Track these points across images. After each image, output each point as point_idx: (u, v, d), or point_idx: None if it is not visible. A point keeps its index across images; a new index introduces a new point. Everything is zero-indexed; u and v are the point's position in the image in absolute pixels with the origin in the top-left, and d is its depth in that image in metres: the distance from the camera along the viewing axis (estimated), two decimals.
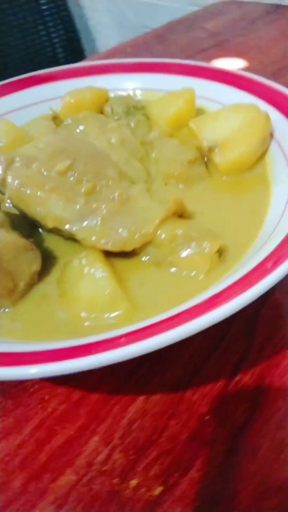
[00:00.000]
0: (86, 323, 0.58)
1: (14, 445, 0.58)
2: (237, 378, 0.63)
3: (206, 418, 0.59)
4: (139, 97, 1.03)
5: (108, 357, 0.45)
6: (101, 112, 0.97)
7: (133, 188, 0.68)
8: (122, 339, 0.48)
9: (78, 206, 0.64)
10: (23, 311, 0.61)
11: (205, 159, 0.81)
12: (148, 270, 0.65)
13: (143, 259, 0.66)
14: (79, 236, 0.64)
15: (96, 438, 0.58)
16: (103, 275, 0.61)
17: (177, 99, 0.91)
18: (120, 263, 0.66)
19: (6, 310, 0.61)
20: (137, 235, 0.63)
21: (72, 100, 0.93)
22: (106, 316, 0.58)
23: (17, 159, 0.68)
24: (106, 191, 0.66)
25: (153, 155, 0.84)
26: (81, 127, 0.87)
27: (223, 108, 0.86)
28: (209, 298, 0.53)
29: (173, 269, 0.64)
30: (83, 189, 0.65)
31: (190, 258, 0.62)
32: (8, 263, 0.60)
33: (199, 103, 0.96)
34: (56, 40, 3.00)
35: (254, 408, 0.59)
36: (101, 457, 0.56)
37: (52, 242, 0.71)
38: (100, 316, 0.58)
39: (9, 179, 0.66)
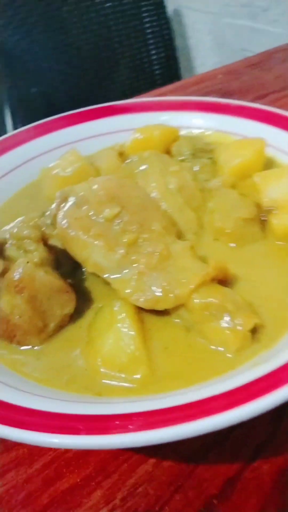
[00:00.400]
0: (103, 380, 0.58)
1: (22, 478, 0.59)
2: (256, 464, 0.58)
3: (214, 501, 0.55)
4: (210, 137, 1.01)
5: (123, 440, 0.44)
6: (168, 151, 0.96)
7: (176, 244, 0.66)
8: (139, 423, 0.46)
9: (117, 256, 0.64)
10: (48, 352, 0.63)
11: (263, 218, 0.77)
12: (175, 333, 0.63)
13: (174, 320, 0.64)
14: (114, 285, 0.64)
15: (99, 493, 0.57)
16: (130, 333, 0.60)
17: (246, 149, 0.87)
18: (151, 318, 0.65)
19: (33, 347, 0.63)
20: (171, 295, 0.61)
21: (140, 137, 0.94)
22: (123, 376, 0.58)
23: (70, 198, 0.71)
24: (147, 245, 0.65)
25: (210, 204, 0.82)
26: (144, 166, 0.87)
27: None
28: (232, 390, 0.49)
29: (201, 339, 0.61)
30: (125, 239, 0.65)
31: (220, 331, 0.59)
32: (41, 302, 0.62)
33: (271, 152, 0.91)
34: (154, 57, 3.08)
35: (267, 502, 0.54)
36: None
37: (92, 283, 0.71)
38: (118, 375, 0.58)
39: (59, 218, 0.68)
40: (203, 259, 0.72)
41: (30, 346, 0.63)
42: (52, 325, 0.63)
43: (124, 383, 0.57)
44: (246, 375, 0.52)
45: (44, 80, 2.51)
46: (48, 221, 0.71)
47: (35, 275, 0.61)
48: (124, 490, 0.56)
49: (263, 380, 0.50)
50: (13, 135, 1.03)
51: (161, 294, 0.62)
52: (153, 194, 0.80)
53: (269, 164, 0.90)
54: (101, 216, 0.66)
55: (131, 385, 0.57)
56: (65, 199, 0.70)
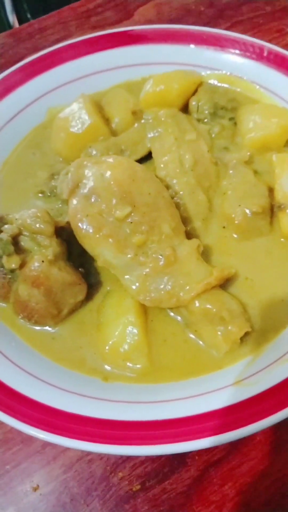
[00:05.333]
0: (108, 367, 0.68)
1: None
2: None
3: None
4: (235, 85, 0.91)
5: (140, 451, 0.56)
6: (187, 103, 0.88)
7: (184, 246, 0.69)
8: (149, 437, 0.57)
9: (126, 258, 0.67)
10: (62, 333, 0.72)
11: (273, 210, 0.77)
12: (174, 328, 0.70)
13: (174, 315, 0.71)
14: (122, 281, 0.69)
15: None
16: (135, 326, 0.68)
17: (271, 119, 0.80)
18: (153, 310, 0.72)
19: (51, 328, 0.72)
20: (174, 299, 0.67)
21: (157, 89, 0.85)
22: (127, 364, 0.68)
23: (83, 184, 0.70)
24: (155, 247, 0.67)
25: (224, 183, 0.80)
26: (159, 130, 0.82)
27: None
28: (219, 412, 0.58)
29: (195, 338, 0.69)
30: (134, 240, 0.67)
31: (214, 335, 0.67)
32: (56, 295, 0.68)
33: None
34: None
35: None
36: None
37: (101, 267, 0.75)
38: (122, 363, 0.68)
39: (71, 210, 0.69)
40: (209, 251, 0.76)
41: (46, 327, 0.72)
42: (65, 311, 0.71)
43: (127, 371, 0.68)
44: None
45: None
46: (59, 204, 0.72)
47: (50, 273, 0.66)
48: None
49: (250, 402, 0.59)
50: (16, 71, 0.91)
51: (165, 296, 0.67)
52: (165, 171, 0.78)
53: None
54: (112, 215, 0.67)
55: (132, 374, 0.67)
56: (76, 186, 0.70)
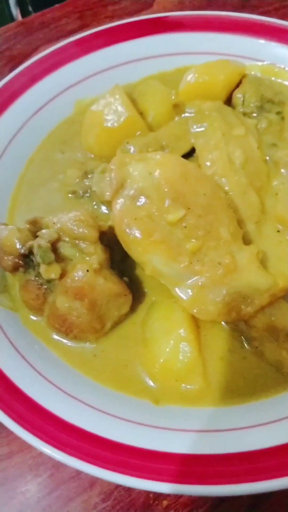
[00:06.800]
0: (157, 386, 0.61)
1: None
2: None
3: None
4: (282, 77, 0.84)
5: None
6: (231, 96, 0.80)
7: (243, 252, 0.62)
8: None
9: (180, 266, 0.60)
10: (105, 349, 0.64)
11: None
12: (231, 344, 0.63)
13: (230, 329, 0.64)
14: (173, 292, 0.62)
15: None
16: (188, 342, 0.61)
17: None
18: (207, 325, 0.64)
19: (90, 344, 0.64)
20: (233, 313, 0.60)
21: (200, 80, 0.77)
22: (180, 385, 0.60)
23: (128, 182, 0.62)
24: (212, 254, 0.60)
25: (275, 183, 0.73)
26: (204, 125, 0.75)
27: None
28: None
29: (256, 355, 0.62)
30: (189, 246, 0.60)
31: (278, 352, 0.59)
32: (100, 307, 0.61)
33: None
34: None
35: None
36: None
37: (144, 275, 0.68)
38: (175, 383, 0.60)
39: (116, 213, 0.62)
40: (264, 257, 0.69)
41: (87, 343, 0.64)
42: (109, 325, 0.63)
43: (180, 392, 0.60)
44: None
45: None
46: (94, 206, 0.64)
47: (96, 284, 0.59)
48: None
49: None
50: (39, 61, 0.84)
51: (223, 308, 0.60)
52: (213, 169, 0.71)
53: None
54: (163, 218, 0.59)
55: (186, 397, 0.60)
56: (121, 186, 0.62)
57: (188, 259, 0.60)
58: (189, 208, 0.60)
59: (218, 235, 0.61)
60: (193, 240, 0.60)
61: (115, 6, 1.36)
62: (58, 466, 0.66)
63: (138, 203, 0.61)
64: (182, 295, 0.61)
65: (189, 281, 0.61)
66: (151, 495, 0.64)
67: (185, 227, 0.60)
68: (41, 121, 0.83)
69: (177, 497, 0.64)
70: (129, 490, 0.64)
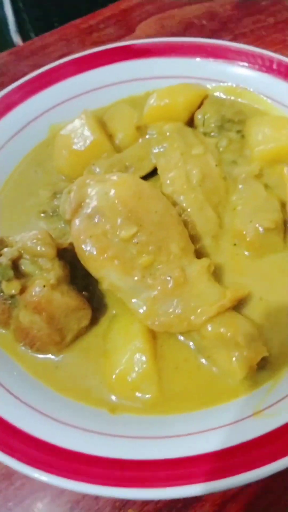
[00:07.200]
0: (114, 397, 0.63)
1: None
2: None
3: None
4: (242, 97, 0.88)
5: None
6: (192, 117, 0.85)
7: (194, 265, 0.65)
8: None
9: (133, 280, 0.63)
10: (66, 361, 0.67)
11: (286, 225, 0.73)
12: (186, 353, 0.66)
13: (185, 340, 0.67)
14: (129, 305, 0.65)
15: None
16: (143, 352, 0.64)
17: (282, 132, 0.77)
18: (163, 334, 0.67)
19: (55, 356, 0.68)
20: (185, 323, 0.63)
21: (161, 103, 0.82)
22: (135, 394, 0.63)
23: (86, 204, 0.66)
24: (164, 268, 0.64)
25: (234, 198, 0.76)
26: (164, 145, 0.79)
27: None
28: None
29: (209, 364, 0.64)
30: (141, 261, 0.63)
31: (229, 361, 0.62)
32: (58, 321, 0.64)
33: None
34: None
35: None
36: None
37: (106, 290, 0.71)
38: (130, 393, 0.63)
39: (74, 231, 0.66)
40: (220, 270, 0.72)
41: (49, 355, 0.68)
42: (69, 337, 0.67)
43: (135, 402, 0.63)
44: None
45: None
46: (62, 224, 0.68)
47: (53, 299, 0.62)
48: None
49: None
50: (17, 88, 0.90)
51: (175, 320, 0.63)
52: (172, 188, 0.75)
53: None
54: (117, 235, 0.63)
55: (142, 405, 0.63)
56: (79, 206, 0.66)
57: (140, 273, 0.64)
58: (141, 225, 0.64)
59: (168, 250, 0.64)
60: (145, 255, 0.63)
61: (99, 32, 1.43)
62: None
63: (94, 222, 0.65)
64: (137, 308, 0.64)
65: (143, 294, 0.64)
66: (117, 503, 0.66)
67: (137, 243, 0.63)
68: (18, 145, 0.88)
69: (143, 505, 0.66)
70: (96, 498, 0.67)
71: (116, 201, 0.64)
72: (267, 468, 0.49)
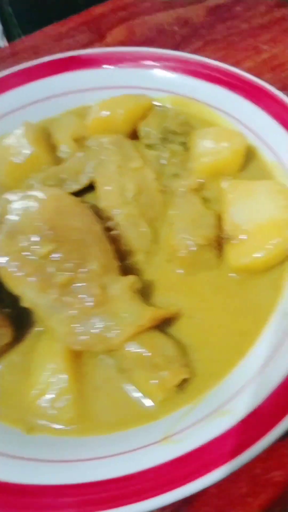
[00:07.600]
0: (32, 414, 0.62)
1: None
2: None
3: None
4: (189, 109, 0.86)
5: None
6: (136, 129, 0.83)
7: (116, 284, 0.63)
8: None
9: (50, 298, 0.62)
10: None
11: (221, 242, 0.71)
12: (108, 373, 0.64)
13: (106, 361, 0.65)
14: (48, 323, 0.64)
15: None
16: (63, 371, 0.62)
17: (223, 144, 0.75)
18: (88, 354, 0.66)
19: None
20: (104, 343, 0.61)
21: (102, 115, 0.81)
22: (54, 413, 0.61)
23: (7, 217, 0.65)
24: (83, 287, 0.62)
25: (171, 213, 0.75)
26: (102, 158, 0.77)
27: (264, 185, 0.70)
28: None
29: (128, 385, 0.62)
30: (58, 279, 0.62)
31: (147, 382, 0.60)
32: None
33: (256, 142, 0.79)
34: None
35: None
36: None
37: None
38: (48, 413, 0.61)
39: None
40: (151, 287, 0.70)
41: None
42: None
43: (53, 422, 0.61)
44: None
45: None
46: None
47: None
48: None
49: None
50: None
51: (93, 339, 0.61)
52: (107, 201, 0.74)
53: (250, 156, 0.78)
54: (35, 253, 0.62)
55: (59, 425, 0.61)
56: (1, 220, 0.65)
57: (58, 291, 0.62)
58: (60, 242, 0.62)
59: (87, 268, 0.62)
60: (63, 273, 0.62)
61: (69, 39, 1.42)
62: None
63: (13, 238, 0.63)
64: (57, 327, 0.63)
65: (63, 313, 0.62)
66: None
67: (55, 260, 0.62)
68: None
69: None
70: None
71: (36, 217, 0.63)
72: (149, 503, 0.47)
